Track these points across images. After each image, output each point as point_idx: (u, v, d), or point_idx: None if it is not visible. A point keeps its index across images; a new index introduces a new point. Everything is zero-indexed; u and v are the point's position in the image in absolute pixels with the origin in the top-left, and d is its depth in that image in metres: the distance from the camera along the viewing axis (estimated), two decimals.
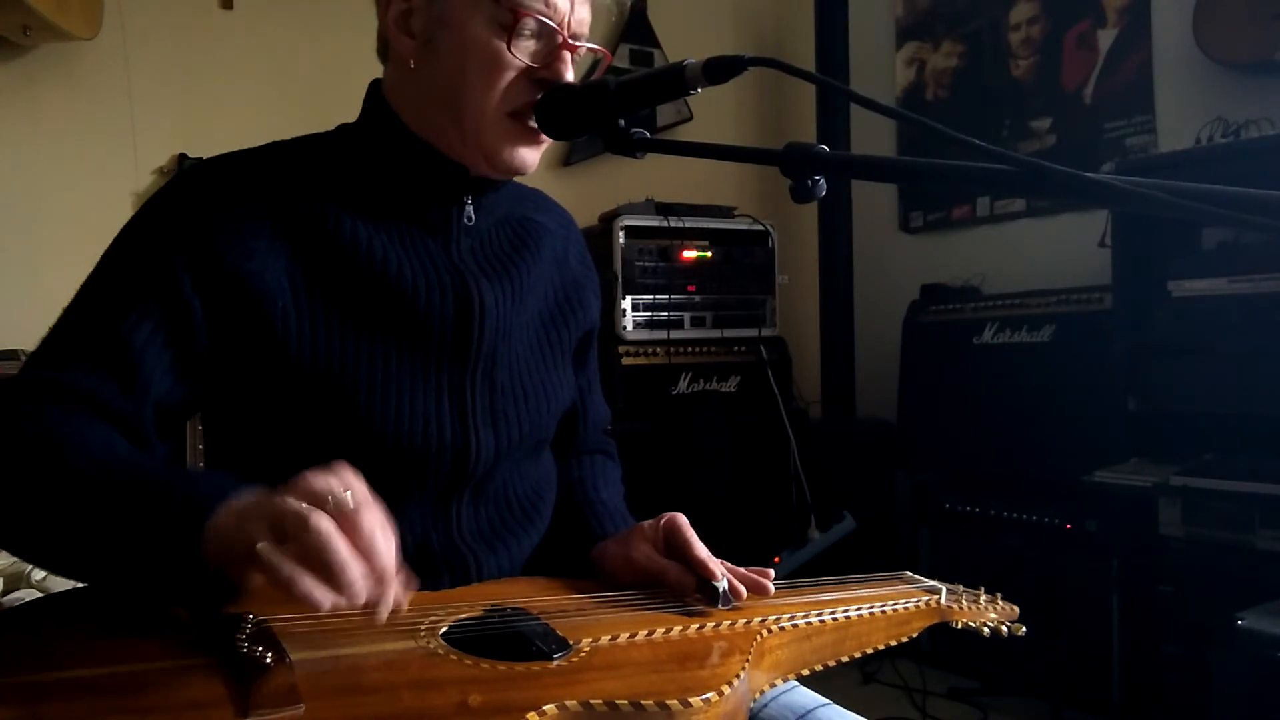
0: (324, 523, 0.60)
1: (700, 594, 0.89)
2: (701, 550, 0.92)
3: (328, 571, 0.59)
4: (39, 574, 1.67)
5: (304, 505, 0.61)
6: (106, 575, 0.72)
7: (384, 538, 0.63)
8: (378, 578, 0.62)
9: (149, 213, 0.87)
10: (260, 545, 0.60)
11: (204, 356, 0.84)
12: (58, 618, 0.69)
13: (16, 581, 1.67)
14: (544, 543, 1.04)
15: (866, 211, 3.22)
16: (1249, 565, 1.90)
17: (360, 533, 0.62)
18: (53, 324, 0.84)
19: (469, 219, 0.95)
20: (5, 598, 1.64)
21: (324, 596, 0.59)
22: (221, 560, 0.65)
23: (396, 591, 0.64)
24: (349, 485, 0.64)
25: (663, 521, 0.96)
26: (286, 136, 0.95)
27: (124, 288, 0.82)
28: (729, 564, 0.93)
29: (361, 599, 0.61)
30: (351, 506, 0.62)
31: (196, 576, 0.66)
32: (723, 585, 0.88)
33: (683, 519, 0.95)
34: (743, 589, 0.90)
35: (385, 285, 0.89)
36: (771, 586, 0.93)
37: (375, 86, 0.96)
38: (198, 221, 0.84)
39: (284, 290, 0.85)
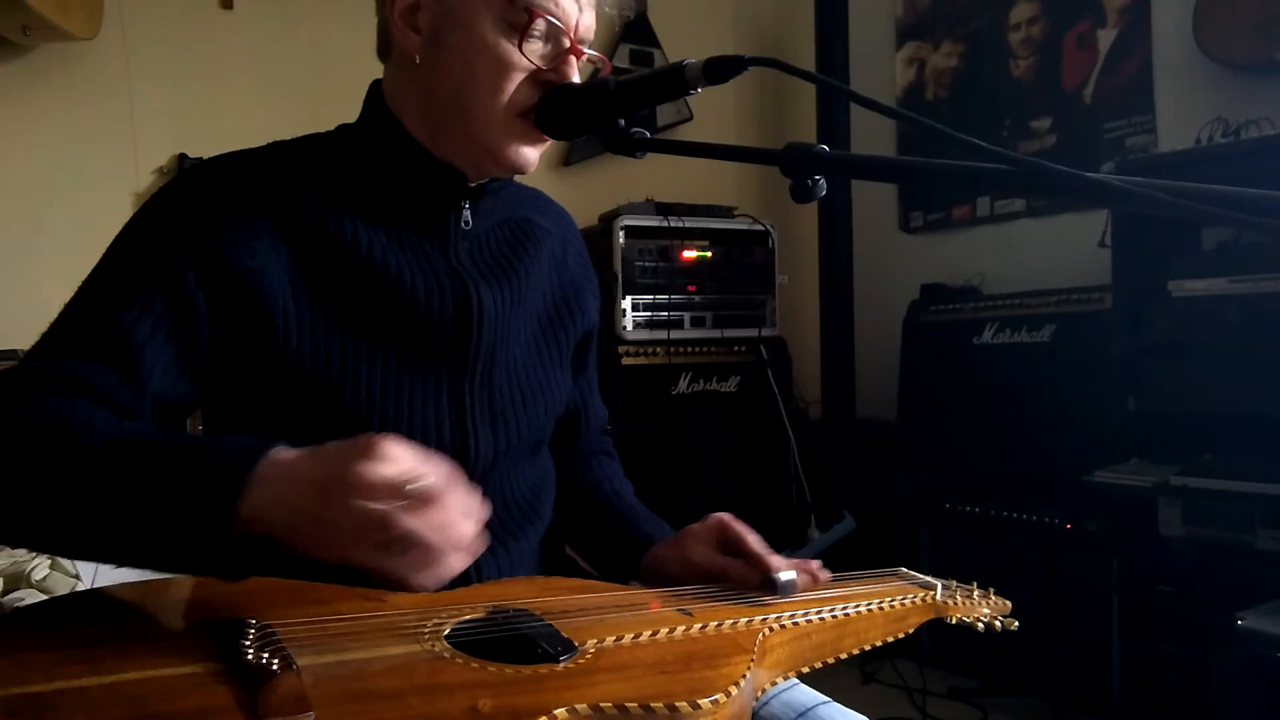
0: (419, 527, 0.65)
1: (762, 587, 0.92)
2: (759, 545, 0.96)
3: (438, 562, 0.67)
4: (39, 573, 1.67)
5: (390, 510, 0.65)
6: (124, 548, 0.71)
7: (467, 516, 0.69)
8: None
9: (152, 210, 0.87)
10: (380, 562, 0.66)
11: (206, 353, 0.84)
12: (59, 624, 0.68)
13: (17, 581, 1.67)
14: (562, 547, 1.06)
15: (866, 211, 3.22)
16: (1249, 565, 1.90)
17: (448, 512, 0.67)
18: (53, 319, 0.83)
19: (466, 223, 0.95)
20: (5, 598, 1.64)
21: (436, 581, 0.68)
22: (258, 531, 0.67)
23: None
24: (411, 472, 0.66)
25: (712, 522, 1.00)
26: (286, 137, 0.95)
27: (127, 283, 0.82)
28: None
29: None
30: (430, 494, 0.66)
31: (221, 537, 0.67)
32: (786, 576, 0.92)
33: (730, 517, 0.99)
34: (803, 577, 0.94)
35: (385, 287, 0.89)
36: (826, 574, 0.97)
37: (375, 87, 0.96)
38: (201, 219, 0.84)
39: (285, 290, 0.86)
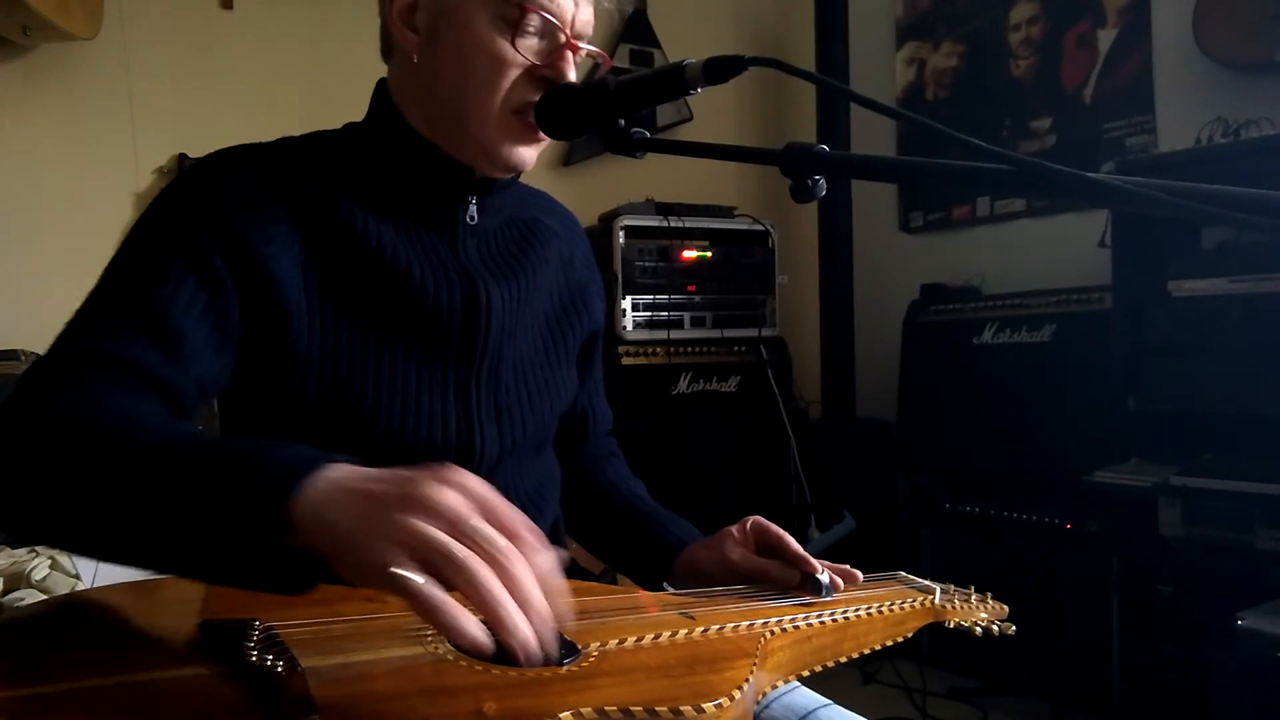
0: (483, 571, 0.55)
1: (802, 587, 0.94)
2: (797, 546, 0.97)
3: (490, 617, 0.55)
4: (39, 573, 1.67)
5: (451, 542, 0.56)
6: (167, 557, 0.65)
7: (540, 591, 0.58)
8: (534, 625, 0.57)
9: (170, 197, 0.86)
10: (410, 582, 0.55)
11: (238, 329, 0.84)
12: (61, 625, 0.68)
13: (16, 581, 1.67)
14: (564, 546, 1.06)
15: (866, 211, 3.22)
16: (1249, 565, 1.90)
17: (516, 583, 0.57)
18: (80, 305, 0.81)
19: (472, 218, 0.95)
20: (5, 598, 1.64)
21: (486, 643, 0.56)
22: (308, 542, 0.59)
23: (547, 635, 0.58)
24: (491, 510, 0.59)
25: (749, 525, 1.00)
26: (286, 136, 0.95)
27: (156, 262, 0.81)
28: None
29: (521, 650, 0.57)
30: (504, 550, 0.57)
31: (270, 553, 0.60)
32: (826, 577, 0.94)
33: (765, 520, 1.00)
34: (840, 580, 0.95)
35: (395, 281, 0.89)
36: (860, 574, 0.98)
37: (381, 86, 0.96)
38: (219, 204, 0.84)
39: (297, 283, 0.86)
